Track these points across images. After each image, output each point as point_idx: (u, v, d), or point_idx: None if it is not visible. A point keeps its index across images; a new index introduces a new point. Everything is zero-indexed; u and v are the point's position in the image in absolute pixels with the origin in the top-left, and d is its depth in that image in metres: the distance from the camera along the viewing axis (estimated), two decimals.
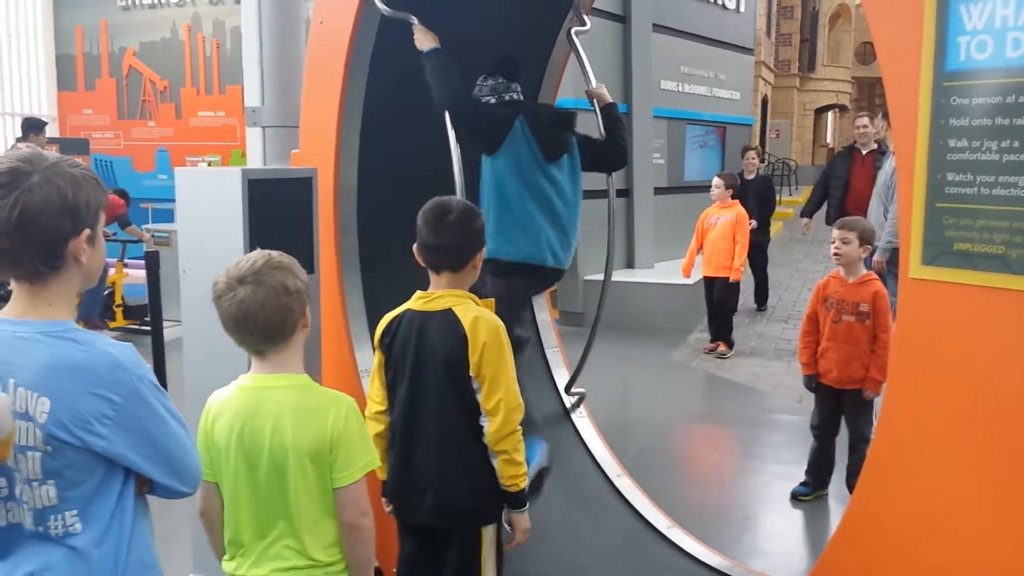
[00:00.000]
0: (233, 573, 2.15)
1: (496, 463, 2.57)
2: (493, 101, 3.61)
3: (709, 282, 8.08)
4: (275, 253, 2.13)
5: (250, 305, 2.02)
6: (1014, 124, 2.06)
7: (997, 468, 2.16)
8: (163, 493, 1.77)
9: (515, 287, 3.54)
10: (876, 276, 4.65)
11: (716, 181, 8.12)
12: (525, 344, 3.78)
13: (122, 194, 9.01)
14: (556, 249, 3.56)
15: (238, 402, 2.11)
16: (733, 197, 8.02)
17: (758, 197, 9.17)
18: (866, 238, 4.47)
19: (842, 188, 8.09)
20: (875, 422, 4.47)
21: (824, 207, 8.35)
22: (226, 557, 2.18)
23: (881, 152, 7.89)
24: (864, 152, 8.05)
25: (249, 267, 2.06)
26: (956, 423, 2.23)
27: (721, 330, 8.18)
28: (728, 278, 7.84)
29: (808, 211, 8.70)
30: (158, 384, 1.71)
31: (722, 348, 8.11)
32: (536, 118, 3.57)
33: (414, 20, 3.51)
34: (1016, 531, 2.13)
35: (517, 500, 2.62)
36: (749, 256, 8.86)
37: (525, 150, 3.50)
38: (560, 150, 3.61)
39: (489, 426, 2.52)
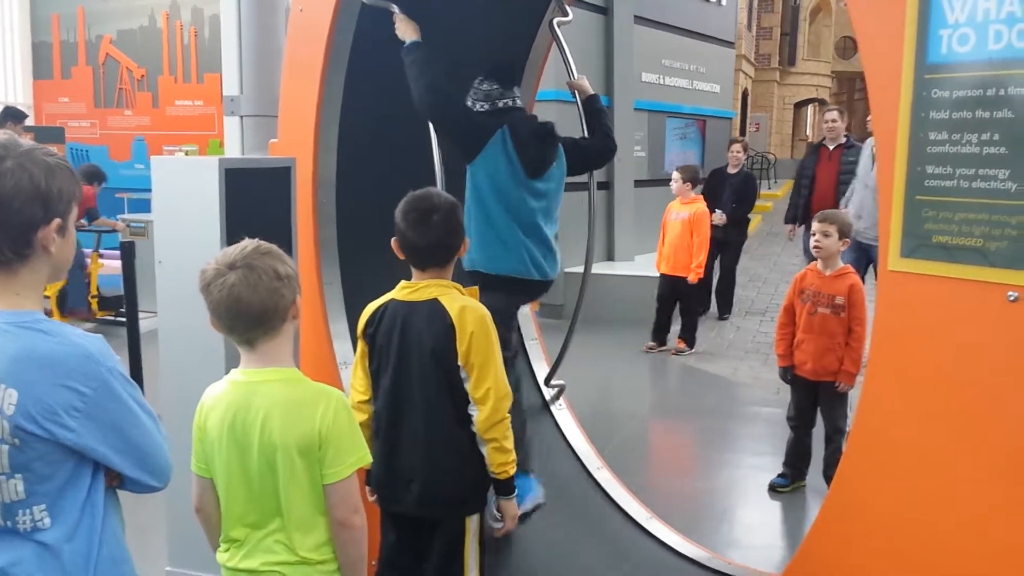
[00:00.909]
0: (225, 564, 2.13)
1: (485, 451, 2.56)
2: (486, 107, 3.45)
3: (666, 280, 7.86)
4: (263, 242, 2.10)
5: (241, 289, 1.98)
6: (994, 117, 2.07)
7: (974, 459, 2.18)
8: (133, 487, 1.75)
9: (497, 302, 3.32)
10: (853, 270, 4.68)
11: (675, 175, 7.86)
12: (512, 359, 3.70)
13: (95, 174, 8.84)
14: (539, 261, 3.47)
15: (229, 397, 2.08)
16: (704, 192, 7.76)
17: (735, 193, 8.75)
18: (844, 231, 4.50)
19: (808, 186, 7.95)
20: (850, 415, 4.53)
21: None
22: (220, 548, 2.16)
23: (848, 146, 7.78)
24: (831, 148, 7.89)
25: (239, 253, 2.03)
26: (934, 415, 2.24)
27: (685, 329, 7.99)
28: (688, 278, 7.66)
29: (792, 216, 8.21)
30: (128, 377, 1.69)
31: (680, 345, 7.93)
32: (519, 134, 3.40)
33: (395, 8, 3.47)
34: (993, 521, 2.15)
35: (506, 487, 2.63)
36: (720, 255, 8.67)
37: (504, 165, 3.36)
38: (544, 166, 3.47)
39: (479, 415, 2.52)
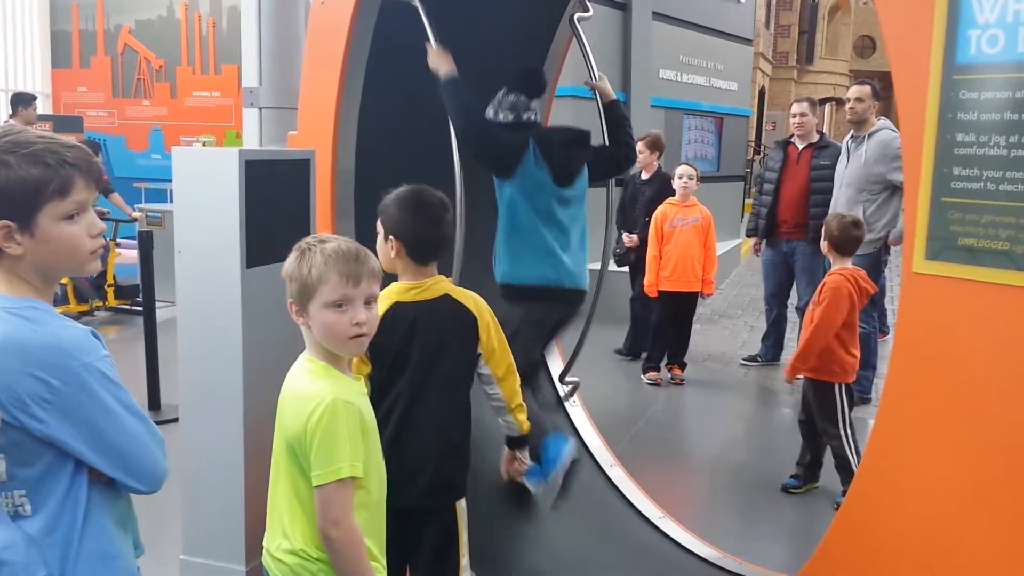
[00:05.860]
0: (265, 545, 2.18)
1: (511, 418, 2.75)
2: (511, 118, 3.54)
3: (669, 300, 6.61)
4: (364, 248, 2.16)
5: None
6: (1023, 119, 2.05)
7: (996, 464, 2.16)
8: (122, 487, 1.71)
9: (534, 312, 3.51)
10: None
11: (687, 170, 6.57)
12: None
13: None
14: (570, 269, 3.55)
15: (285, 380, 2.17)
16: (620, 207, 6.72)
17: (647, 207, 6.84)
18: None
19: (773, 192, 6.69)
20: (840, 417, 4.44)
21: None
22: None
23: (823, 146, 6.59)
24: (801, 147, 6.65)
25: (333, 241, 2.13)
26: (956, 419, 2.23)
27: (679, 352, 6.86)
28: (700, 293, 6.65)
29: (754, 226, 7.01)
30: (112, 376, 1.64)
31: (677, 372, 6.85)
32: (549, 143, 3.52)
33: (416, 2, 3.44)
34: (1016, 526, 2.13)
35: (524, 440, 2.88)
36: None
37: (537, 176, 3.47)
38: (574, 173, 3.59)
39: (504, 390, 2.68)
